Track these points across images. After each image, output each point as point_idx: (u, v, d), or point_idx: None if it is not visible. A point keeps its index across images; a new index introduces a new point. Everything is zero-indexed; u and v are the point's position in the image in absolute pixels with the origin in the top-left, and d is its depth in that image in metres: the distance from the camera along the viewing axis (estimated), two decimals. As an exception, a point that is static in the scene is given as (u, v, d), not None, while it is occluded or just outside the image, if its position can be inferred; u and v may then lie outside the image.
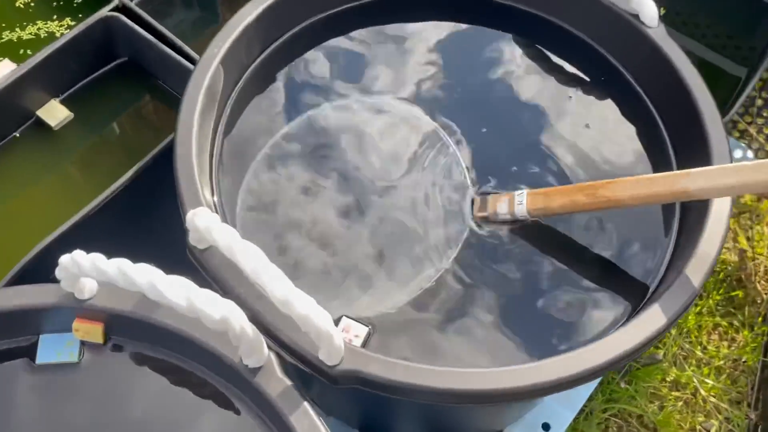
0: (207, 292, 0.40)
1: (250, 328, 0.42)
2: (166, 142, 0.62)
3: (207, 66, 0.59)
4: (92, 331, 0.49)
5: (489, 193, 0.59)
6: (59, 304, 0.48)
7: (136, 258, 0.42)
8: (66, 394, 0.49)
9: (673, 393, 0.92)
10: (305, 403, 0.44)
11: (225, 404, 0.48)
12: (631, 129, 0.64)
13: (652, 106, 0.64)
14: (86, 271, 0.42)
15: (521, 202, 0.56)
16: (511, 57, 0.68)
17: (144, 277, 0.40)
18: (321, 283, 0.56)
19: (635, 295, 0.56)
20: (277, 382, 0.44)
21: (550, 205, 0.56)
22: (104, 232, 0.58)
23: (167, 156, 0.56)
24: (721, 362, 0.94)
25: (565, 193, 0.56)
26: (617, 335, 0.47)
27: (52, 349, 0.50)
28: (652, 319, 0.49)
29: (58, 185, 0.68)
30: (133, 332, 0.49)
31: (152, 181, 0.62)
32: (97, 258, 0.41)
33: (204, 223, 0.44)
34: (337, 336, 0.44)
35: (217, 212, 0.57)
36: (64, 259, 0.43)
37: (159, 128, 0.72)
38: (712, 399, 0.92)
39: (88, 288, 0.47)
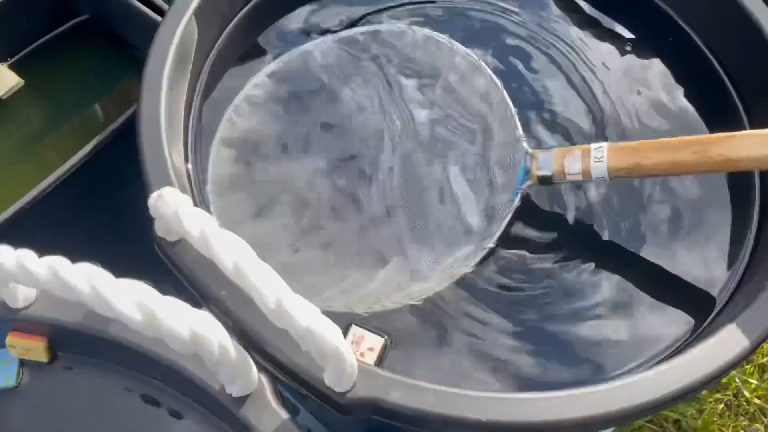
0: (172, 302, 0.29)
1: (232, 349, 0.31)
2: (130, 112, 0.51)
3: (178, 17, 0.49)
4: (33, 348, 0.39)
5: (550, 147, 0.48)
6: (-14, 314, 0.37)
7: (94, 254, 0.33)
8: (3, 427, 0.39)
9: (713, 395, 0.83)
10: (307, 443, 0.34)
11: (204, 439, 0.38)
12: (694, 92, 0.54)
13: (719, 65, 0.54)
14: (11, 276, 0.31)
15: (600, 157, 0.44)
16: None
17: (85, 282, 0.29)
18: (317, 263, 0.46)
19: (699, 308, 0.45)
20: (270, 416, 0.34)
21: (641, 162, 0.43)
22: (56, 222, 0.48)
23: (133, 128, 0.45)
24: (765, 359, 0.85)
25: (664, 148, 0.43)
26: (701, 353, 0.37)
27: (-16, 371, 0.39)
28: (735, 337, 0.38)
29: (3, 164, 0.58)
30: (87, 348, 0.39)
31: (115, 158, 0.51)
32: (25, 256, 0.31)
33: (171, 207, 0.33)
34: (349, 355, 0.33)
35: (192, 192, 0.46)
36: (-15, 258, 0.32)
37: (126, 98, 0.61)
38: (757, 401, 0.83)
39: (22, 294, 0.36)
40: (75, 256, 0.32)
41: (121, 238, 0.46)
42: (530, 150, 0.47)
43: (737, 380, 0.83)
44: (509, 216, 0.45)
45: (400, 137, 0.51)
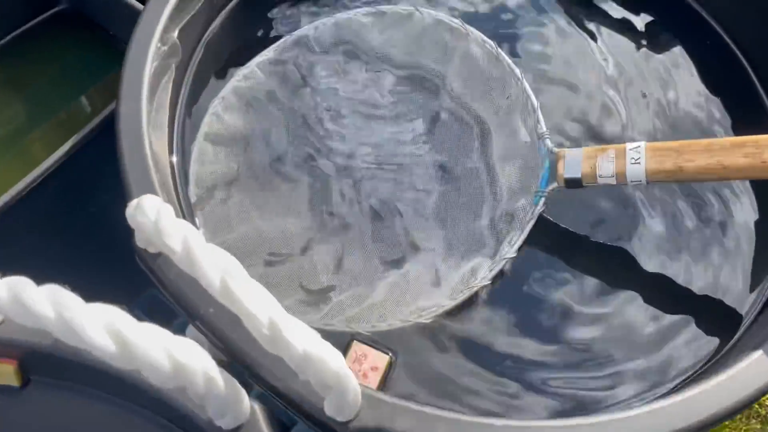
0: (150, 329, 0.26)
1: (220, 379, 0.27)
2: (110, 109, 0.47)
3: (161, 4, 0.45)
4: (2, 372, 0.35)
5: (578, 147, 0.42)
6: (-52, 336, 0.34)
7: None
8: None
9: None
10: (306, 479, 0.30)
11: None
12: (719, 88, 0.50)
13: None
14: (-31, 296, 0.27)
15: (638, 159, 0.39)
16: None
17: (50, 307, 0.25)
18: (311, 274, 0.42)
19: (722, 326, 0.42)
20: (264, 449, 0.30)
21: (684, 166, 0.38)
22: (30, 228, 0.44)
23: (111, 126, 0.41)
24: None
25: (710, 150, 0.38)
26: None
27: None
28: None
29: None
30: (62, 372, 0.35)
31: (95, 158, 0.47)
32: (-17, 276, 0.27)
33: (150, 218, 0.30)
34: (353, 383, 0.30)
35: (178, 195, 0.43)
36: (-59, 277, 0.28)
37: (108, 92, 0.57)
38: (771, 403, 0.79)
39: (-14, 314, 0.32)
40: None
41: (99, 246, 0.42)
42: (555, 149, 0.42)
43: None
44: (532, 223, 0.41)
45: (401, 135, 0.48)
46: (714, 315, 0.42)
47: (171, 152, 0.44)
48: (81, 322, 0.25)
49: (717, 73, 0.52)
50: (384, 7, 0.50)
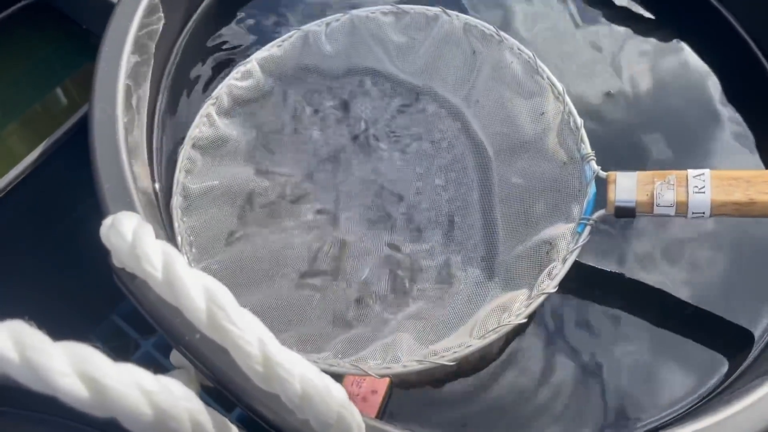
0: (127, 371, 0.23)
1: (209, 424, 0.25)
2: (84, 112, 0.43)
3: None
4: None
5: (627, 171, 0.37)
6: None
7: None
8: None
9: None
10: None
11: None
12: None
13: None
14: None
15: (702, 188, 0.35)
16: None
17: (12, 348, 0.22)
18: (314, 304, 0.39)
19: (734, 346, 0.39)
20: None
21: (755, 198, 0.34)
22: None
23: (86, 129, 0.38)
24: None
25: None
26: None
27: None
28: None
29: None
30: (26, 401, 0.32)
31: (67, 167, 0.43)
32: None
33: (127, 240, 0.26)
34: (356, 418, 0.27)
35: (160, 210, 0.40)
36: None
37: (81, 91, 0.53)
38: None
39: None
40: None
41: (74, 263, 0.39)
42: (603, 172, 0.38)
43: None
44: (576, 254, 0.36)
45: (419, 149, 0.44)
46: (727, 339, 0.39)
47: (150, 161, 0.41)
48: (48, 365, 0.22)
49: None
50: (407, 7, 0.45)
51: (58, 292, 0.40)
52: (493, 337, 0.34)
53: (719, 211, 0.35)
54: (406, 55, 0.45)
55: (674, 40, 0.50)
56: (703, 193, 0.35)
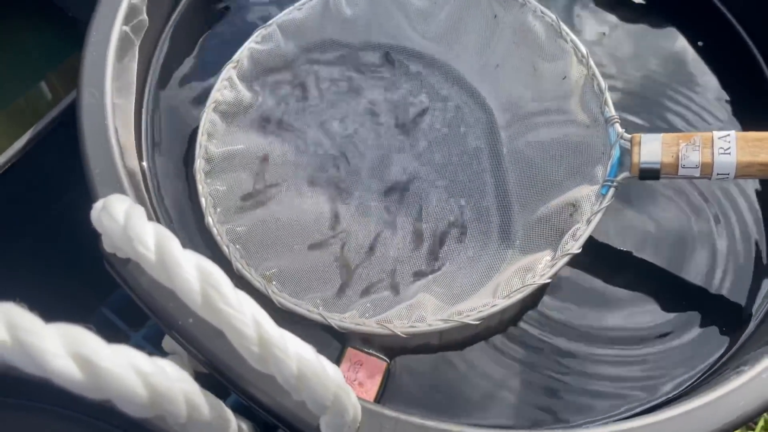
0: (121, 352, 0.22)
1: (204, 406, 0.24)
2: (70, 101, 0.43)
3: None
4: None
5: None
6: None
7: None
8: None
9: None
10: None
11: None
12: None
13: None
14: None
15: (727, 149, 0.35)
16: None
17: (4, 330, 0.22)
18: (334, 267, 0.39)
19: (730, 323, 0.39)
20: (254, 475, 0.27)
21: None
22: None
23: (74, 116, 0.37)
24: None
25: None
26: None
27: None
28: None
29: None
30: (22, 390, 0.32)
31: (58, 151, 0.43)
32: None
33: (119, 222, 0.26)
34: (352, 401, 0.27)
35: (148, 189, 0.39)
36: None
37: (67, 80, 0.53)
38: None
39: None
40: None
41: (63, 249, 0.38)
42: (627, 134, 0.38)
43: None
44: (599, 215, 0.37)
45: (442, 114, 0.44)
46: (724, 314, 0.40)
47: (139, 145, 0.40)
48: (41, 346, 0.21)
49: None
50: None
51: (45, 285, 0.39)
52: (517, 296, 0.35)
53: (744, 172, 0.35)
54: (427, 19, 0.46)
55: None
56: (729, 154, 0.35)
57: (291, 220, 0.41)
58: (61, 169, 0.42)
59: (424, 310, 0.36)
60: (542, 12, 0.42)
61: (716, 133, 0.36)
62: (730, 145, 0.35)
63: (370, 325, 0.35)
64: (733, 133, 0.36)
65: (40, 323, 0.22)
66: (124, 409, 0.23)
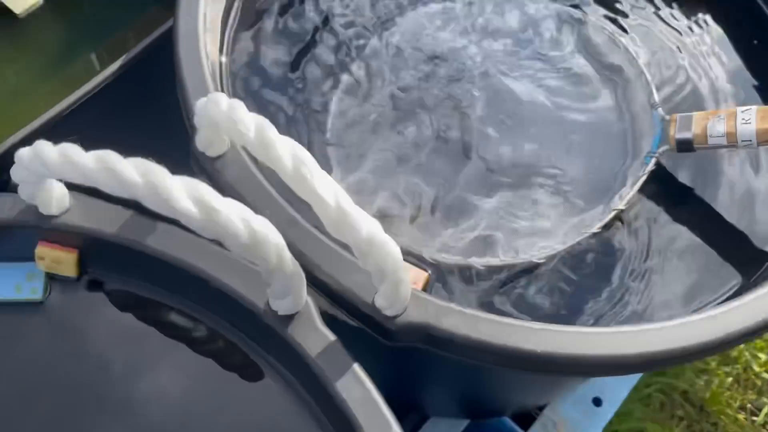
0: (231, 203, 0.27)
1: (289, 260, 0.29)
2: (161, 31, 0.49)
3: None
4: (63, 261, 0.37)
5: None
6: (16, 221, 0.35)
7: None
8: (25, 343, 0.37)
9: (722, 368, 0.82)
10: (355, 366, 0.32)
11: (240, 364, 0.36)
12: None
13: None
14: (54, 169, 0.29)
15: (748, 119, 0.42)
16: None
17: (139, 176, 0.27)
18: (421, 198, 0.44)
19: (746, 263, 0.44)
20: (317, 337, 0.32)
21: None
22: (82, 134, 0.46)
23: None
24: (775, 334, 0.85)
25: None
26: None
27: (9, 283, 0.37)
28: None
29: (23, 83, 0.55)
30: (119, 264, 0.37)
31: (146, 75, 0.48)
32: (70, 150, 0.29)
33: (223, 111, 0.31)
34: (406, 275, 0.31)
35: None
36: (23, 153, 0.30)
37: (154, 18, 0.58)
38: (765, 375, 0.82)
39: (57, 198, 0.34)
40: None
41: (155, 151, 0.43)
42: (667, 116, 0.46)
43: (747, 354, 0.83)
44: (643, 179, 0.45)
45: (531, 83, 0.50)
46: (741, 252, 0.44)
47: (221, 52, 0.46)
48: (168, 188, 0.27)
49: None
50: None
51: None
52: (571, 242, 0.43)
53: (764, 138, 0.42)
54: None
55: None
56: (750, 123, 0.42)
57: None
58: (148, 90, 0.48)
59: (499, 244, 0.42)
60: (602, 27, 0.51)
61: (739, 108, 0.43)
62: (751, 117, 0.42)
63: (454, 256, 0.41)
64: (753, 107, 0.43)
65: (167, 172, 0.27)
66: (228, 246, 0.28)
